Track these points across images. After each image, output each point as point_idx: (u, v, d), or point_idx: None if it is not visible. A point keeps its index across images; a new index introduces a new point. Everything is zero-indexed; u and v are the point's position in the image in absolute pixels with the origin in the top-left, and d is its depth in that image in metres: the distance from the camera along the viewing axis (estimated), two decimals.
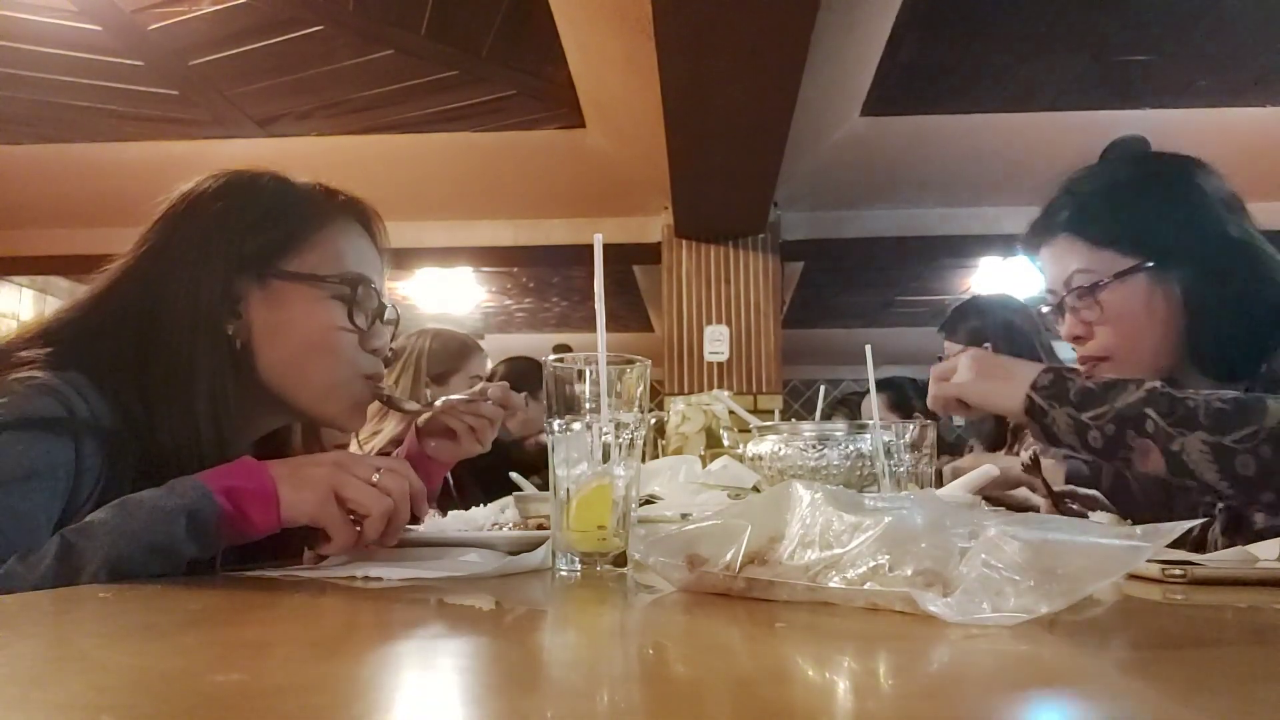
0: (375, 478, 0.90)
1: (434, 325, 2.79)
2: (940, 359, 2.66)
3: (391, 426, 2.38)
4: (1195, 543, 1.18)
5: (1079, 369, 1.16)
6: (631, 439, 0.90)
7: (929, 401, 1.25)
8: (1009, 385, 1.13)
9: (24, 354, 0.96)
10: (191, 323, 0.99)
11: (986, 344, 2.54)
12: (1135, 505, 1.50)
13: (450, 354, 2.61)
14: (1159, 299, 1.19)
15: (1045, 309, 1.34)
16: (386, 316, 1.15)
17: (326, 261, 1.06)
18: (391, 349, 1.40)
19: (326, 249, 1.07)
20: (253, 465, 0.92)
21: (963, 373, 1.17)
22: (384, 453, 1.81)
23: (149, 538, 0.83)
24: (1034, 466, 1.62)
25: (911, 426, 1.44)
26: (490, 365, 3.23)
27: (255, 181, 1.09)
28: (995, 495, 1.68)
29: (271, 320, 1.03)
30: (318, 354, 1.05)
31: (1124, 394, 1.04)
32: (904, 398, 3.44)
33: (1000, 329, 2.55)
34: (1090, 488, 1.55)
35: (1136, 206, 1.23)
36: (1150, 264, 1.19)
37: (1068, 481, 1.59)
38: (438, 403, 1.19)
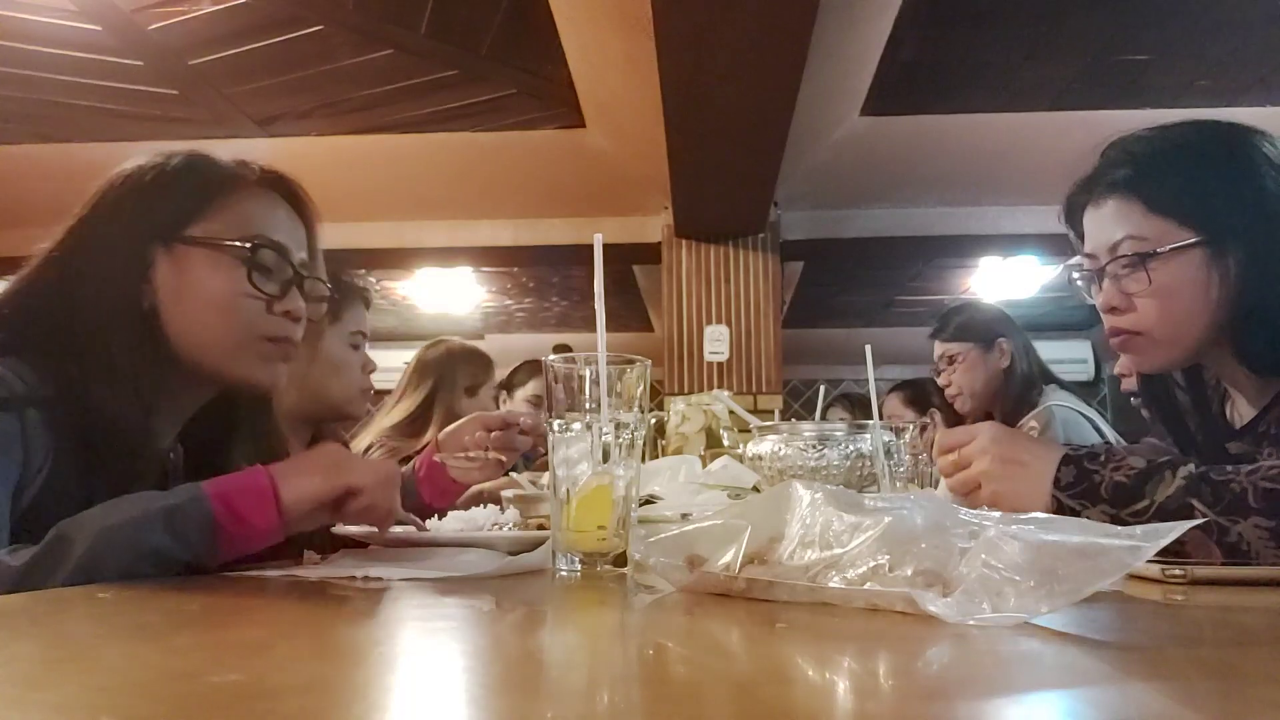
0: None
1: (449, 339, 2.81)
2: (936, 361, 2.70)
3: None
4: None
5: (1095, 451, 1.05)
6: (631, 439, 0.90)
7: (947, 480, 1.14)
8: (1029, 485, 1.04)
9: None
10: (103, 290, 1.02)
11: (979, 343, 2.62)
12: None
13: (479, 368, 2.67)
14: (1214, 280, 1.10)
15: (1078, 275, 1.25)
16: (311, 291, 1.15)
17: (233, 226, 1.07)
18: (364, 334, 1.44)
19: (234, 213, 1.08)
20: (253, 467, 0.93)
21: (981, 462, 1.07)
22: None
23: (132, 534, 0.84)
24: None
25: (912, 426, 1.44)
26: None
27: (167, 158, 1.11)
28: None
29: (176, 285, 1.05)
30: (217, 315, 1.06)
31: (1160, 484, 0.97)
32: (922, 395, 3.47)
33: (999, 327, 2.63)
34: None
35: (1200, 175, 1.14)
36: (1210, 240, 1.10)
37: None
38: (465, 419, 1.19)
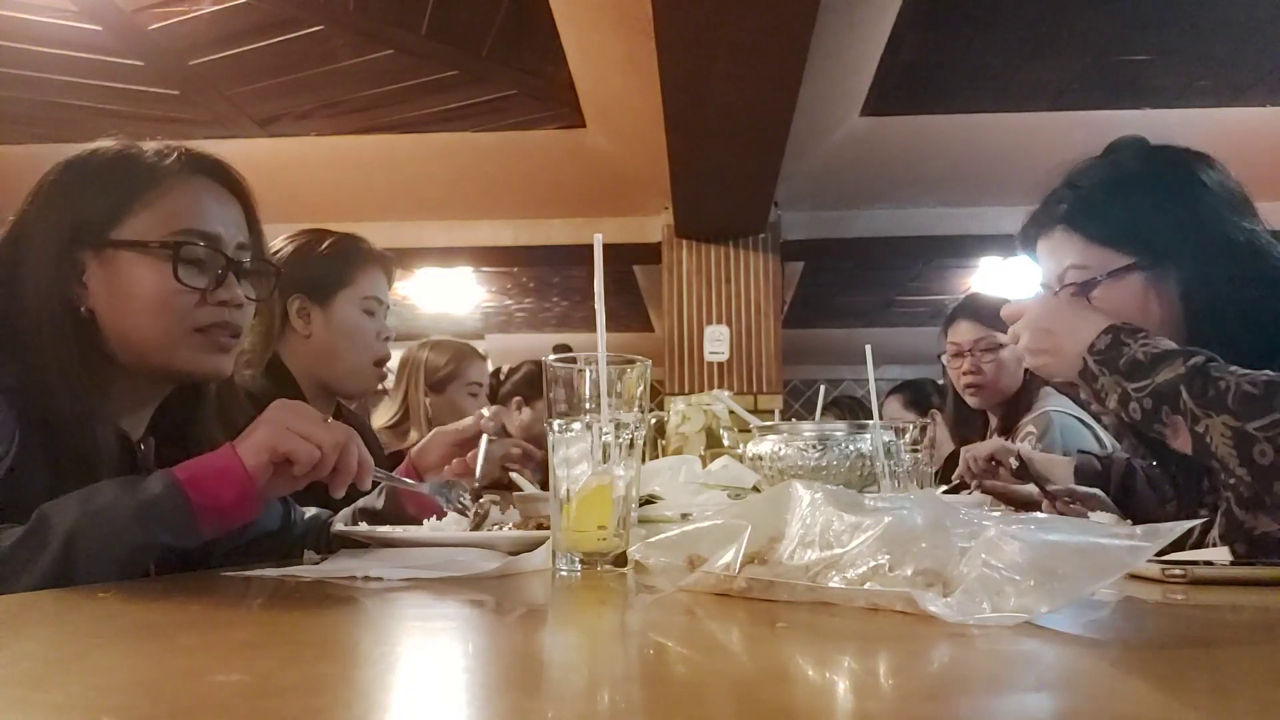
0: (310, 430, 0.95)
1: (432, 338, 2.81)
2: (939, 355, 2.67)
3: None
4: (1193, 546, 1.15)
5: (1139, 328, 1.10)
6: (631, 439, 0.90)
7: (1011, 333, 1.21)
8: (1059, 356, 1.12)
9: None
10: (38, 295, 1.01)
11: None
12: (1139, 505, 1.50)
13: (445, 362, 2.64)
14: (1154, 301, 1.16)
15: None
16: (255, 271, 1.14)
17: (160, 223, 1.06)
18: (380, 301, 1.59)
19: (160, 209, 1.07)
20: (222, 447, 0.95)
21: (1024, 337, 1.16)
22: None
23: (113, 524, 0.86)
24: (1022, 468, 1.63)
25: (912, 426, 1.44)
26: (491, 366, 3.24)
27: (91, 155, 1.11)
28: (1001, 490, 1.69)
29: (109, 289, 1.05)
30: (149, 315, 1.05)
31: (1168, 367, 1.01)
32: (922, 396, 3.43)
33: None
34: (1099, 485, 1.54)
35: (1136, 203, 1.19)
36: (1144, 264, 1.17)
37: (1077, 479, 1.58)
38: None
